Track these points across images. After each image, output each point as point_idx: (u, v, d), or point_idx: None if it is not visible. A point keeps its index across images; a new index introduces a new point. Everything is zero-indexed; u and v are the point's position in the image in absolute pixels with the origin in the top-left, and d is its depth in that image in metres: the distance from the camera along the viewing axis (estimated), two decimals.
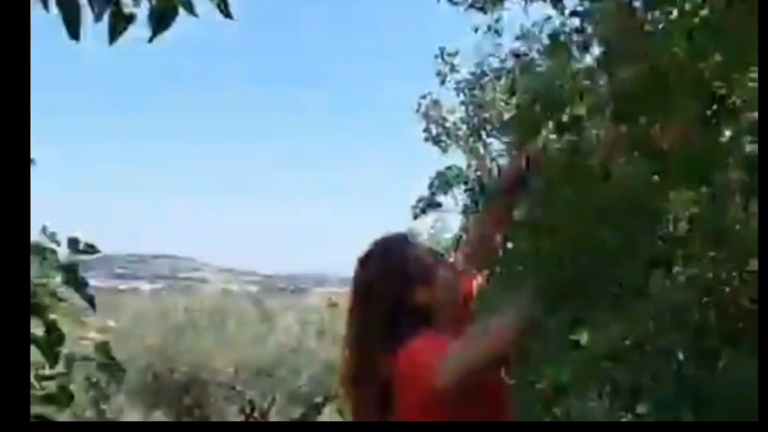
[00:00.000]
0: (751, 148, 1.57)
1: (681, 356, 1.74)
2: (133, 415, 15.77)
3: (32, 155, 1.57)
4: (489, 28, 6.25)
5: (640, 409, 1.85)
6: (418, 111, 6.79)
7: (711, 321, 1.70)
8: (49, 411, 2.15)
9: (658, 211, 1.67)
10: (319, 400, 14.13)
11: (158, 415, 13.90)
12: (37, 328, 2.02)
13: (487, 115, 6.36)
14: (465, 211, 6.32)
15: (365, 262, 1.86)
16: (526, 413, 1.98)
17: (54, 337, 2.08)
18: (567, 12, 4.22)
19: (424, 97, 6.71)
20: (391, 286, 1.78)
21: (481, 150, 6.29)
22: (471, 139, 6.42)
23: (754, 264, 1.58)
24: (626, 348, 1.66)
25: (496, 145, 6.49)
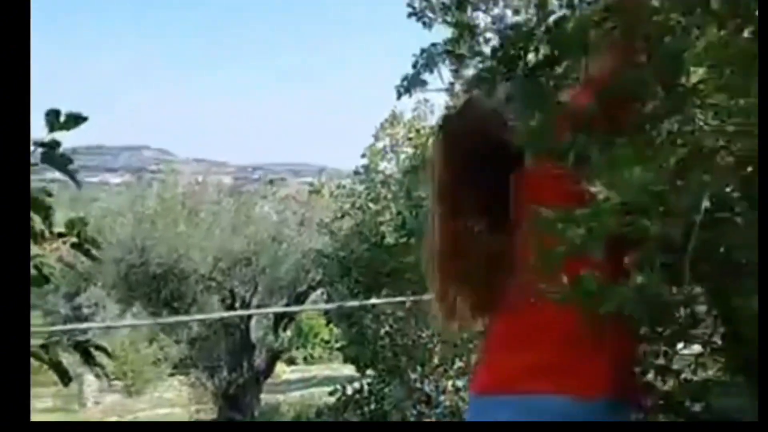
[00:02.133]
0: None
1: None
2: (111, 308, 15.78)
3: None
4: None
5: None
6: None
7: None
8: None
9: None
10: (302, 289, 14.13)
11: (137, 308, 13.86)
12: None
13: None
14: (450, 90, 6.14)
15: (447, 120, 1.90)
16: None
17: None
18: None
19: None
20: (478, 132, 1.75)
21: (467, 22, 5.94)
22: (456, 13, 6.06)
23: None
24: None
25: (482, 18, 6.14)
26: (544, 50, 1.65)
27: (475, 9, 6.62)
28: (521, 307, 1.66)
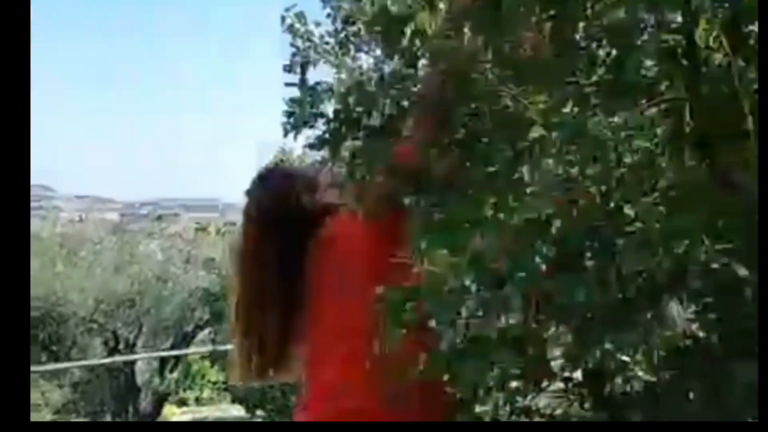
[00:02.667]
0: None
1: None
2: None
3: None
4: None
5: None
6: (283, 24, 6.48)
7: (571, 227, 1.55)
8: None
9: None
10: (188, 329, 13.78)
11: None
12: None
13: (355, 28, 6.10)
14: (328, 137, 6.19)
15: (252, 190, 2.02)
16: None
17: None
18: None
19: (288, 9, 6.44)
20: (281, 208, 1.91)
21: (350, 63, 6.02)
22: (340, 54, 6.15)
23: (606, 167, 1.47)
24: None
25: (365, 59, 6.25)
26: (387, 111, 1.71)
27: (358, 50, 6.75)
28: (323, 361, 1.84)
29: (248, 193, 2.07)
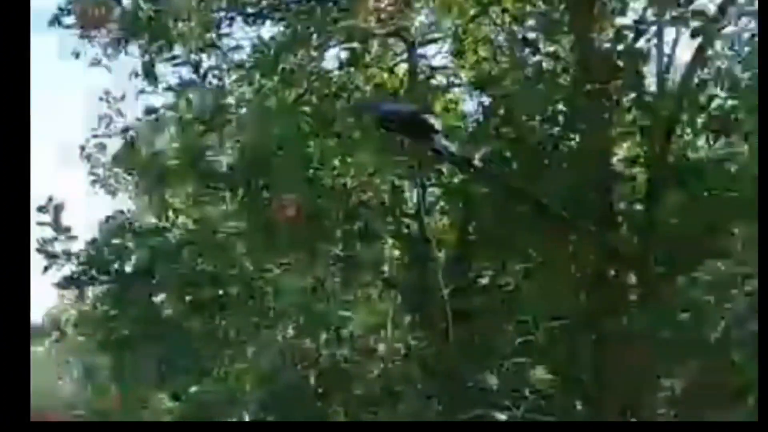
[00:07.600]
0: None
1: None
2: None
3: None
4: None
5: None
6: (82, 153, 6.55)
7: None
8: None
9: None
10: None
11: None
12: None
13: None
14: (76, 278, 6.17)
15: None
16: None
17: None
18: None
19: (88, 140, 6.56)
20: None
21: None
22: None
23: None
24: None
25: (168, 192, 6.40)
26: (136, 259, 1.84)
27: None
28: None
29: None
